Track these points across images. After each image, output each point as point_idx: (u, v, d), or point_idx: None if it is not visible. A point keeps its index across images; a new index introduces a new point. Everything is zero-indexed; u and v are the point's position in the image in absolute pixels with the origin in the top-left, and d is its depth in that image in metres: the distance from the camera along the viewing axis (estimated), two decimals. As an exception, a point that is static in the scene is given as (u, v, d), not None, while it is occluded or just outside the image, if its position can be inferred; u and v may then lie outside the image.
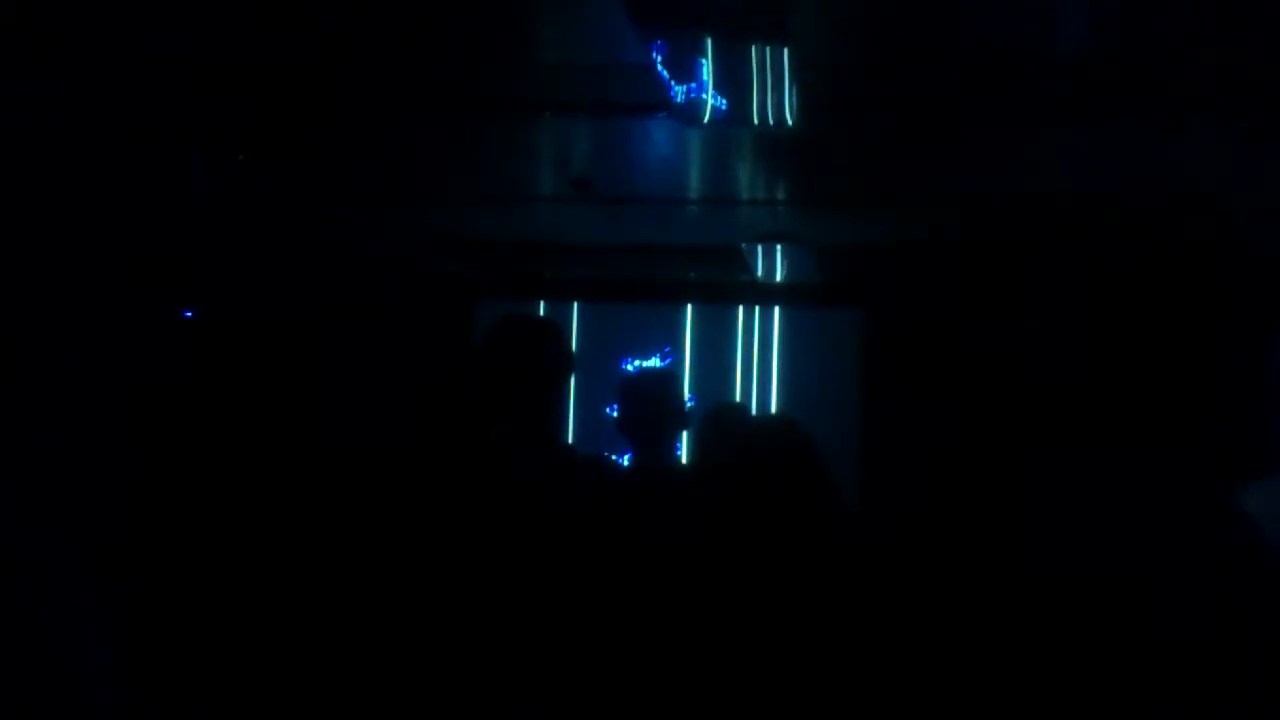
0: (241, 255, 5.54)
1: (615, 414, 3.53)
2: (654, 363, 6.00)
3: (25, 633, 1.55)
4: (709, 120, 4.64)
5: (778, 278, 6.18)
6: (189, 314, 5.41)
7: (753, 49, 4.21)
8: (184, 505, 3.94)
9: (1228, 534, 1.41)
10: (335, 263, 6.06)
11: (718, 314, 6.33)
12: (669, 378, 3.61)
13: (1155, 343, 1.46)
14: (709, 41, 4.42)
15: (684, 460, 5.34)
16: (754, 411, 5.68)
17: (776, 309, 6.32)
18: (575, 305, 6.39)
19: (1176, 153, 3.72)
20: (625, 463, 4.04)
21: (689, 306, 6.35)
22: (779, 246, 5.89)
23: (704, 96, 4.65)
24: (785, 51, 3.84)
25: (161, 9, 2.72)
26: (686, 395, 3.79)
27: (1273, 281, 1.44)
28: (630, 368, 6.12)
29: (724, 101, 4.69)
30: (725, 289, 6.32)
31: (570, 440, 6.11)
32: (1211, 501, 1.44)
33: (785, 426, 2.38)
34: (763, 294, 6.29)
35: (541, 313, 6.23)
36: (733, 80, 4.58)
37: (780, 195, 5.06)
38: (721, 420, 3.52)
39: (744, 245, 5.97)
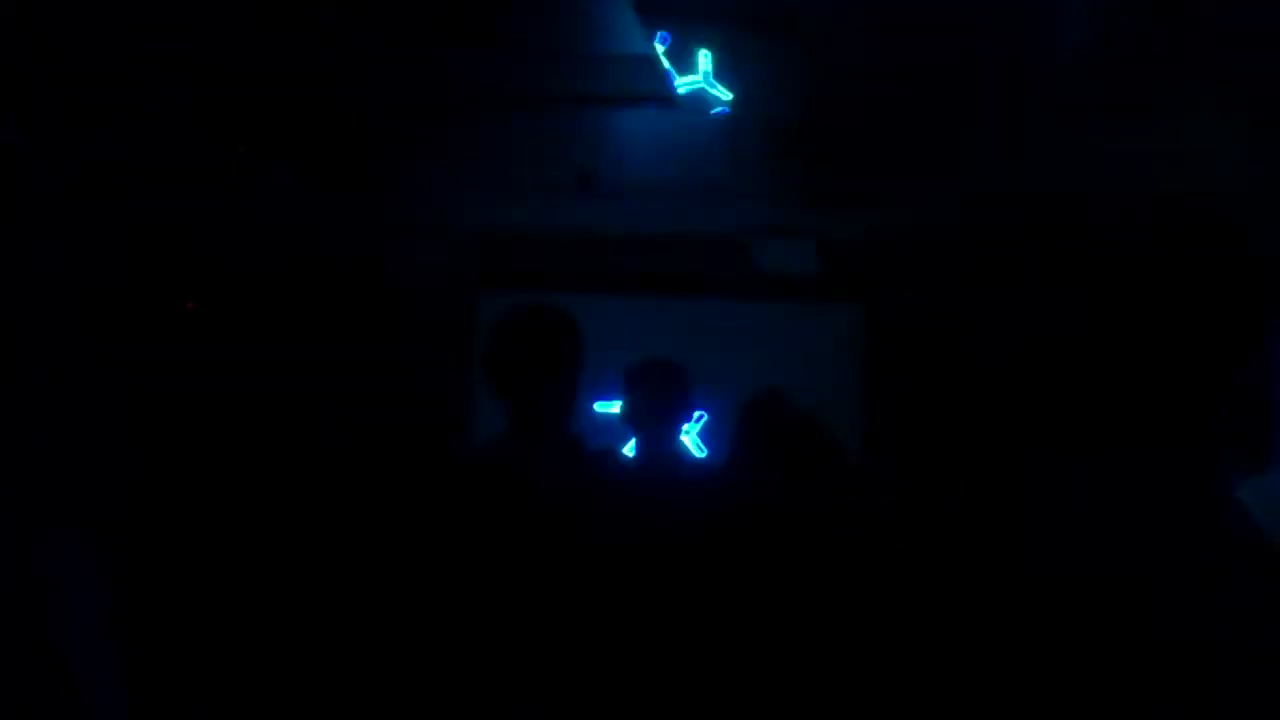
0: (243, 253, 5.54)
1: (620, 405, 3.51)
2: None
3: (25, 632, 1.55)
4: (712, 112, 4.65)
5: (780, 272, 6.17)
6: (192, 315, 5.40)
7: (757, 41, 4.21)
8: (186, 506, 3.95)
9: (1227, 534, 1.41)
10: (337, 258, 6.06)
11: (718, 308, 6.32)
12: (675, 368, 3.55)
13: (1155, 342, 1.46)
14: (713, 34, 4.41)
15: (688, 452, 5.34)
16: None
17: (778, 304, 6.31)
18: (577, 298, 6.37)
19: (1177, 152, 3.72)
20: (629, 454, 4.04)
21: (690, 301, 6.34)
22: (781, 240, 5.88)
23: (707, 88, 4.65)
24: (790, 44, 3.85)
25: (165, 9, 2.72)
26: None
27: (1273, 281, 1.44)
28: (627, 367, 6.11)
29: (727, 93, 4.69)
30: (727, 283, 6.32)
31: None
32: (1211, 501, 1.44)
33: (838, 450, 2.33)
34: (765, 288, 6.28)
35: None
36: (736, 72, 4.58)
37: (783, 188, 5.06)
38: (773, 418, 3.36)
39: (746, 239, 5.96)
